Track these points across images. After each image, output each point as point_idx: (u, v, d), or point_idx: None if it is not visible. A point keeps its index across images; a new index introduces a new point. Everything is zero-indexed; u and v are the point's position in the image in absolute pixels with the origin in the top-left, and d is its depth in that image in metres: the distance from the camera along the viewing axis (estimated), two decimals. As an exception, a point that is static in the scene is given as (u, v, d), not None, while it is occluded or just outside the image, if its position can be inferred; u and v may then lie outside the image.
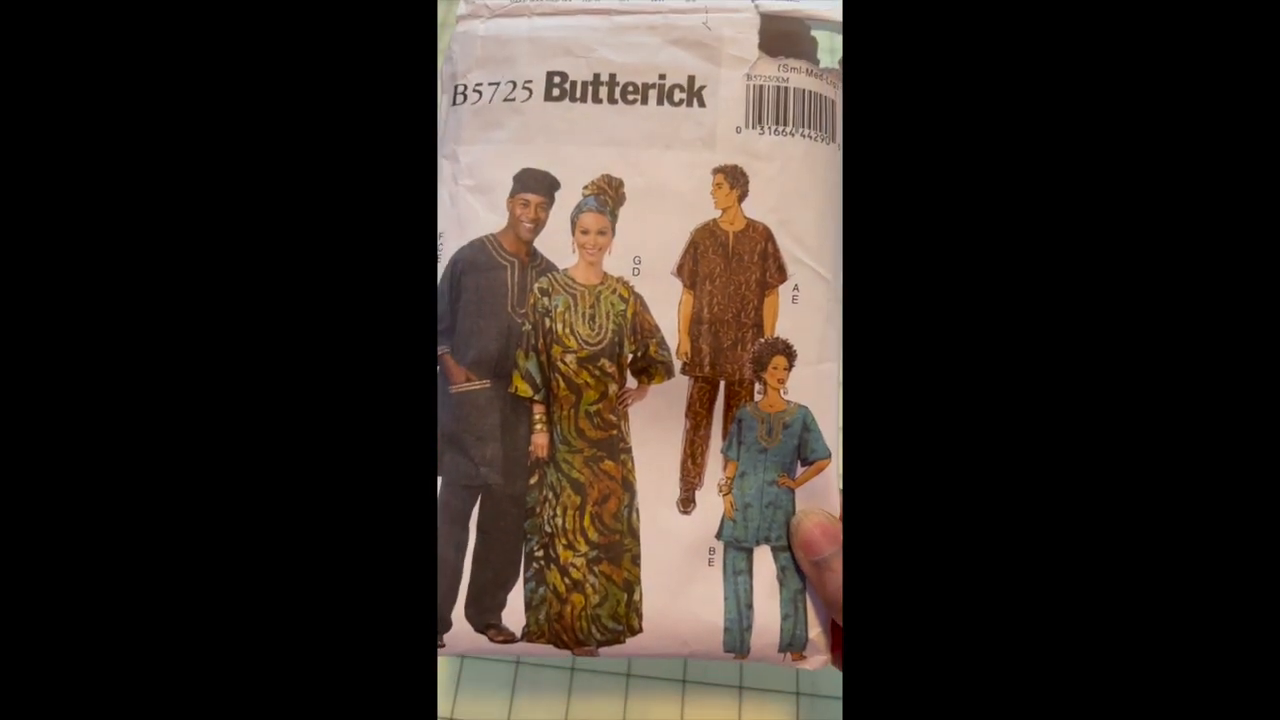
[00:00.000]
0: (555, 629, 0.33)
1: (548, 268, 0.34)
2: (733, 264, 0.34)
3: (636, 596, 0.33)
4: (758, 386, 0.34)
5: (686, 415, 0.34)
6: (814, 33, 0.36)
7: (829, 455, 0.34)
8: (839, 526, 0.33)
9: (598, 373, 0.34)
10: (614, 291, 0.34)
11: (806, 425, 0.34)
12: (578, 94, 0.34)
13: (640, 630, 0.33)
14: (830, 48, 0.38)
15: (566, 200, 0.34)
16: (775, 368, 0.34)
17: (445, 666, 0.46)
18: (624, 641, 0.33)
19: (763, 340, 0.34)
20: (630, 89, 0.34)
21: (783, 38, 0.35)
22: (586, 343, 0.34)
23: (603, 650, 0.33)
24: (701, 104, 0.34)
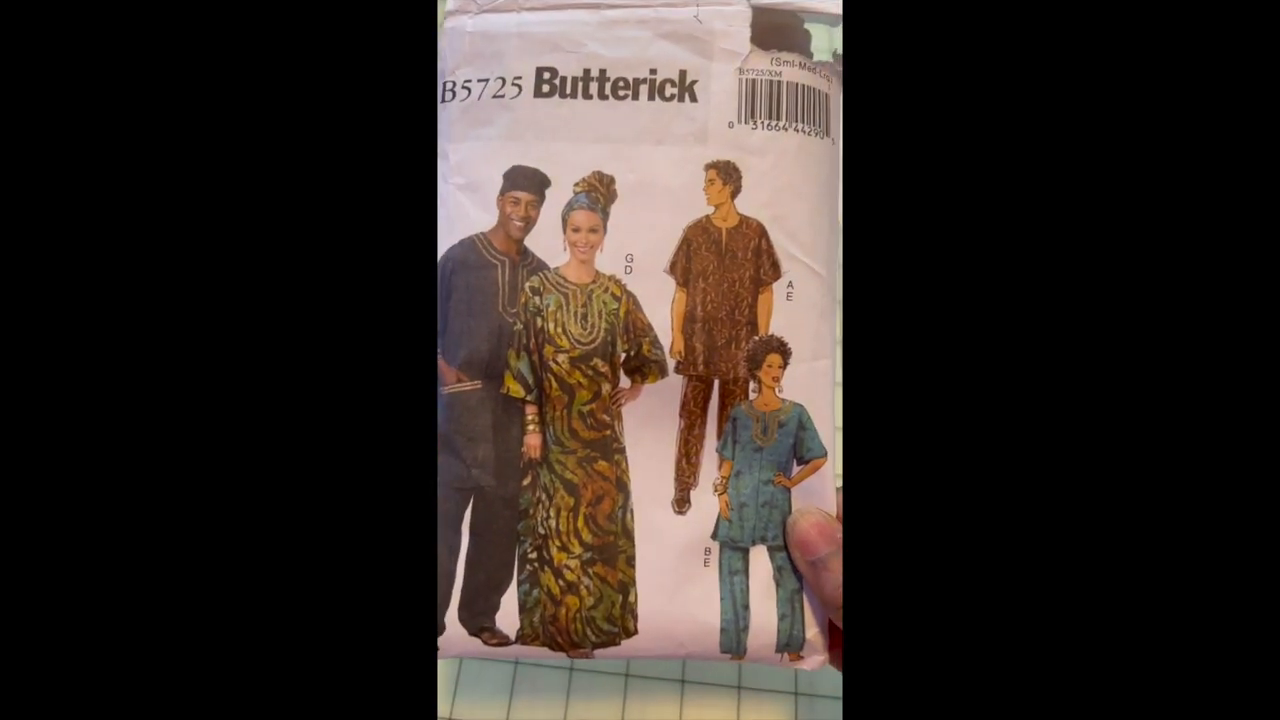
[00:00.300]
0: (550, 631, 0.33)
1: (539, 266, 0.34)
2: (726, 261, 0.33)
3: (632, 598, 0.33)
4: (752, 385, 0.33)
5: (681, 414, 0.34)
6: (808, 26, 0.35)
7: (825, 454, 0.33)
8: (836, 526, 0.32)
9: (590, 372, 0.33)
10: (606, 290, 0.33)
11: (802, 424, 0.33)
12: (568, 90, 0.34)
13: (635, 632, 0.33)
14: (826, 44, 0.37)
15: (557, 198, 0.34)
16: (770, 366, 0.33)
17: (443, 667, 0.46)
18: (619, 643, 0.33)
19: (757, 338, 0.33)
20: (621, 84, 0.34)
21: (775, 30, 0.34)
22: (579, 342, 0.33)
23: (598, 652, 0.33)
24: (693, 99, 0.34)
